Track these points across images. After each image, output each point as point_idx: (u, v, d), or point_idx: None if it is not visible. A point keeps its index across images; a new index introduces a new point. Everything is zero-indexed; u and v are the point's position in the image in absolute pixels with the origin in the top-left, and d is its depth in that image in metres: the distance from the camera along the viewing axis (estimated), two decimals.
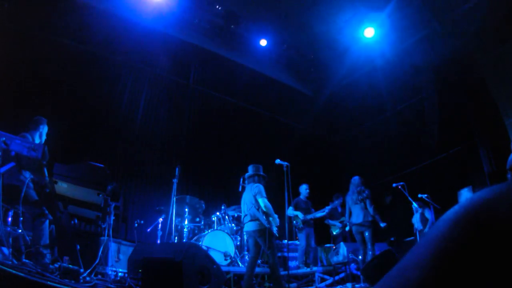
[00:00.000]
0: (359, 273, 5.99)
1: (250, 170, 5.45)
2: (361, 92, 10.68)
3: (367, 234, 6.04)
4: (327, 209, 7.37)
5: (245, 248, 6.82)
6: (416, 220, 8.21)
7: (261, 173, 5.38)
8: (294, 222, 7.12)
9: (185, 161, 8.50)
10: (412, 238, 8.05)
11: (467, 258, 0.37)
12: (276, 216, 5.19)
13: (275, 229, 5.02)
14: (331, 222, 8.03)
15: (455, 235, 0.38)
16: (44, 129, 4.56)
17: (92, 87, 7.81)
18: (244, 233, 5.56)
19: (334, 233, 7.95)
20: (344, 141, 11.97)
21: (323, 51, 10.51)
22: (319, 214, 7.36)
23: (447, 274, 0.37)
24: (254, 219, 5.00)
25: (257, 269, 6.33)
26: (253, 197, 5.09)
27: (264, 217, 4.95)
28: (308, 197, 7.54)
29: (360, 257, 6.11)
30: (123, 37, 8.30)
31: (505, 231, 0.36)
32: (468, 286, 0.36)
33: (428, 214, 7.52)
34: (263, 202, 4.99)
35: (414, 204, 7.77)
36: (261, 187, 5.16)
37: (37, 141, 4.40)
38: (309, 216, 7.22)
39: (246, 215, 5.16)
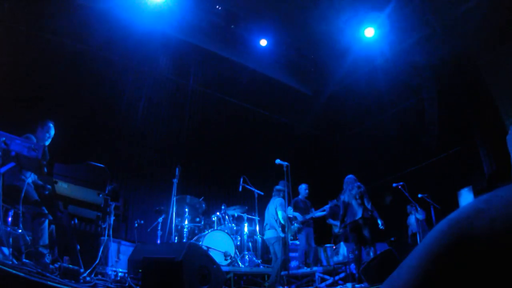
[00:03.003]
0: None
1: (280, 184, 6.26)
2: (361, 92, 10.68)
3: (366, 233, 5.91)
4: (327, 207, 7.35)
5: (245, 248, 6.83)
6: (410, 222, 8.22)
7: (288, 190, 6.03)
8: (295, 225, 7.07)
9: (185, 161, 8.50)
10: (408, 239, 8.07)
11: (448, 271, 0.37)
12: (294, 226, 6.55)
13: (290, 238, 5.94)
14: (333, 222, 8.01)
15: (439, 247, 0.39)
16: (51, 132, 4.55)
17: (92, 87, 7.81)
18: (265, 240, 6.30)
19: (336, 231, 7.94)
20: (344, 141, 11.97)
21: (323, 51, 10.50)
22: (319, 213, 7.34)
23: (431, 284, 0.38)
24: (272, 228, 5.81)
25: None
26: (275, 209, 5.90)
27: (280, 228, 5.72)
28: (307, 197, 7.52)
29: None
30: (123, 37, 8.29)
31: (480, 247, 0.36)
32: None
33: (421, 216, 7.52)
34: (281, 215, 5.79)
35: (409, 206, 7.79)
36: (282, 201, 5.92)
37: (47, 142, 4.40)
38: (308, 216, 7.20)
39: (266, 224, 5.99)
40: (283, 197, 5.99)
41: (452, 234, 0.39)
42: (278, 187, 6.27)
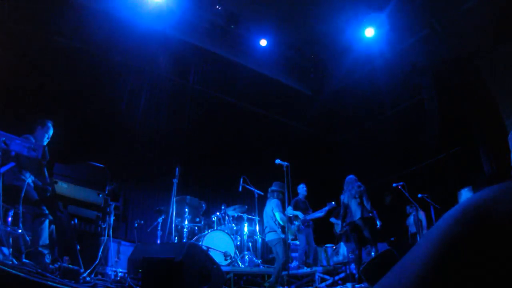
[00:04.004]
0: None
1: (274, 185, 6.23)
2: (361, 92, 10.68)
3: (366, 233, 5.90)
4: (325, 209, 7.34)
5: (245, 248, 6.83)
6: (410, 222, 8.22)
7: (282, 190, 6.02)
8: (295, 224, 7.06)
9: (185, 161, 8.50)
10: (408, 239, 8.06)
11: (467, 253, 0.37)
12: (294, 226, 6.62)
13: (290, 238, 5.94)
14: (335, 221, 8.00)
15: (455, 232, 0.39)
16: (50, 132, 4.55)
17: (92, 87, 7.81)
18: (267, 242, 6.29)
19: (338, 231, 7.94)
20: (344, 141, 11.97)
21: (323, 51, 10.51)
22: (318, 214, 7.34)
23: (448, 268, 0.38)
24: (272, 230, 5.80)
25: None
26: (271, 211, 5.90)
27: (280, 229, 5.72)
28: (306, 196, 7.53)
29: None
30: (123, 37, 8.29)
31: (503, 229, 0.36)
32: (467, 280, 0.37)
33: (422, 216, 7.52)
34: (279, 216, 5.80)
35: (409, 206, 7.79)
36: (278, 202, 5.95)
37: (45, 142, 4.40)
38: (308, 217, 7.20)
39: (266, 226, 5.98)
40: (277, 198, 5.99)
41: (470, 221, 0.39)
42: (272, 188, 6.25)
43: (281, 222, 5.75)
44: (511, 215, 0.36)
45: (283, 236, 5.61)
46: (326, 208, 7.29)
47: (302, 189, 7.50)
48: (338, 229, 7.96)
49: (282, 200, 5.96)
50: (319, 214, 7.32)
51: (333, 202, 7.23)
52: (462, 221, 0.39)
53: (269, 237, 5.86)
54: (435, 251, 0.39)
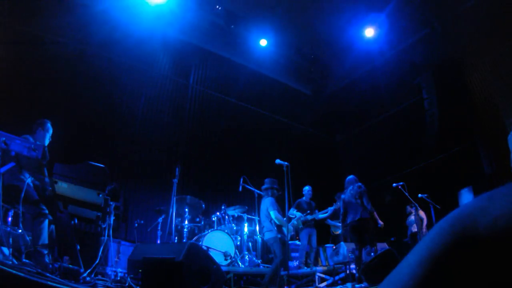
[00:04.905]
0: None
1: (266, 183, 6.04)
2: (361, 92, 10.69)
3: (366, 233, 5.88)
4: (330, 210, 7.35)
5: (245, 248, 6.83)
6: (410, 222, 8.22)
7: (276, 186, 5.91)
8: (294, 223, 7.07)
9: (185, 161, 8.50)
10: (408, 239, 8.07)
11: (450, 271, 0.37)
12: (291, 223, 6.42)
13: (289, 236, 5.73)
14: (331, 222, 8.01)
15: (440, 246, 0.38)
16: (50, 132, 4.56)
17: (92, 87, 7.81)
18: (265, 241, 6.19)
19: (336, 232, 7.95)
20: (344, 141, 11.97)
21: (323, 51, 10.51)
22: (322, 215, 7.34)
23: (433, 283, 0.37)
24: (268, 230, 5.67)
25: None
26: (266, 210, 5.72)
27: (276, 227, 5.59)
28: (311, 198, 7.54)
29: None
30: (123, 37, 8.29)
31: (484, 247, 0.35)
32: None
33: (422, 215, 7.53)
34: (274, 214, 5.64)
35: (409, 206, 7.79)
36: (272, 200, 5.77)
37: (46, 143, 4.41)
38: (309, 217, 7.20)
39: (263, 226, 5.87)
40: (272, 195, 5.86)
41: (454, 233, 0.38)
42: (264, 186, 6.06)
43: (276, 221, 5.62)
44: (493, 228, 0.35)
45: (279, 235, 5.51)
46: (332, 208, 7.30)
47: (307, 191, 7.51)
48: (337, 230, 7.97)
49: (277, 197, 5.84)
50: (324, 214, 7.33)
51: (338, 202, 7.23)
52: (448, 234, 0.38)
53: (267, 236, 5.79)
54: (422, 262, 0.39)
